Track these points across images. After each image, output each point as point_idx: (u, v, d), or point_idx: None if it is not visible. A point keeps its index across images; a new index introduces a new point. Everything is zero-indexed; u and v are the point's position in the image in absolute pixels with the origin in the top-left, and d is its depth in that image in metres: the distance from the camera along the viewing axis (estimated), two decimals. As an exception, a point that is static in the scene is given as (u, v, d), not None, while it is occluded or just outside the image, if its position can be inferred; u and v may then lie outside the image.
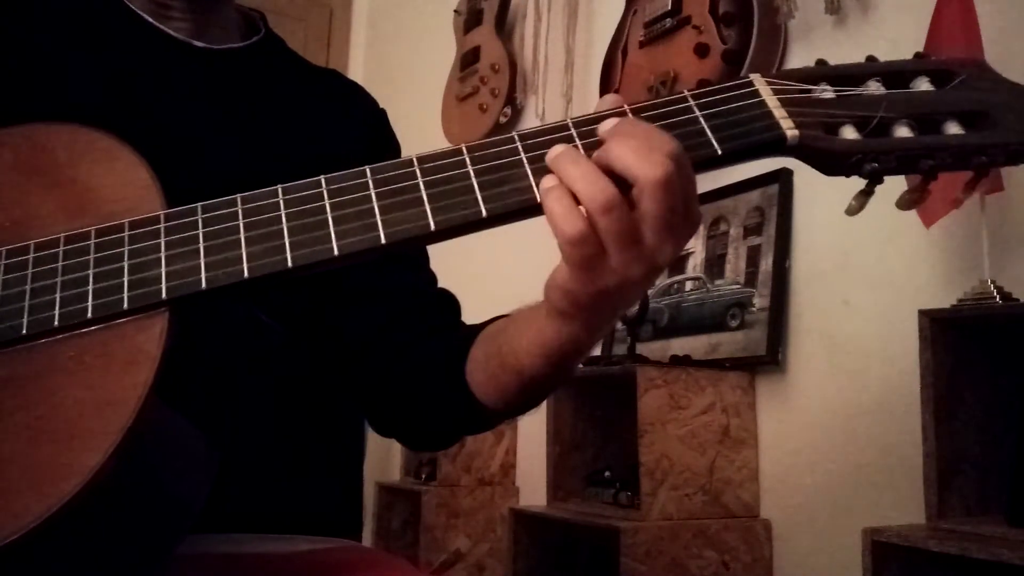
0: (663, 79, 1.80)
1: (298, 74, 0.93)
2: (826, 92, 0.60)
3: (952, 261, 1.37)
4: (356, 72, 3.45)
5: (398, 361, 0.82)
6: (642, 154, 0.54)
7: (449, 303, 0.89)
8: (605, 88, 1.99)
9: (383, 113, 0.97)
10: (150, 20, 0.83)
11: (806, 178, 1.61)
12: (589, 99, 2.16)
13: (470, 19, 2.59)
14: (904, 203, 0.61)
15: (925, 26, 1.29)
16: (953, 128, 0.59)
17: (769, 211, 1.69)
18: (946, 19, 1.26)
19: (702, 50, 1.72)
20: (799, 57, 1.68)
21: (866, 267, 1.51)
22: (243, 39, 0.89)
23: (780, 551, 1.60)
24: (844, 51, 1.59)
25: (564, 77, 2.26)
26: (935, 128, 0.59)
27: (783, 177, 1.66)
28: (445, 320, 0.87)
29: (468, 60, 2.56)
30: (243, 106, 0.86)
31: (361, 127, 0.93)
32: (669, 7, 1.81)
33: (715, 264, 1.79)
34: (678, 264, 1.88)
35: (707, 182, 1.73)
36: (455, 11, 2.69)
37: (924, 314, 1.17)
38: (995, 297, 1.17)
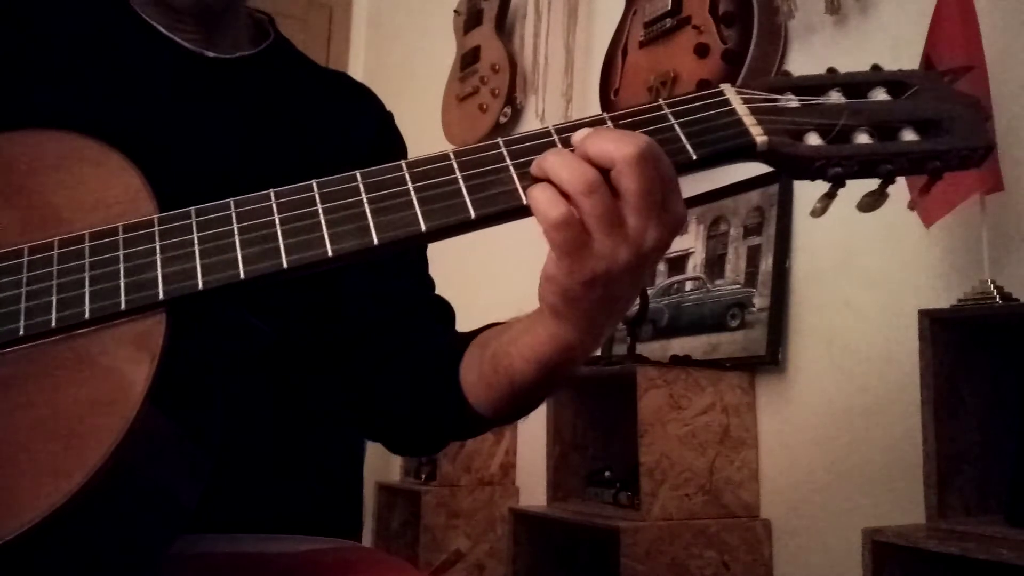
0: (663, 79, 1.80)
1: (308, 78, 0.94)
2: (791, 101, 0.64)
3: (952, 261, 1.37)
4: (356, 72, 3.45)
5: (388, 363, 0.82)
6: (617, 138, 0.57)
7: (443, 310, 0.89)
8: (605, 88, 1.99)
9: (390, 115, 0.97)
10: (162, 31, 0.83)
11: (806, 178, 1.61)
12: (589, 99, 2.16)
13: (470, 19, 2.59)
14: (864, 206, 0.64)
15: (925, 26, 1.29)
16: (909, 135, 0.62)
17: (769, 211, 1.69)
18: (946, 19, 1.26)
19: (702, 50, 1.72)
20: (799, 57, 1.68)
21: (866, 267, 1.51)
22: (253, 45, 0.90)
23: (780, 551, 1.60)
24: (844, 51, 1.59)
25: (564, 77, 2.26)
26: (892, 135, 0.63)
27: (783, 177, 1.66)
28: (438, 326, 0.87)
29: (468, 60, 2.56)
30: (255, 114, 0.86)
31: (370, 129, 0.93)
32: (669, 7, 1.81)
33: (715, 264, 1.79)
34: (678, 264, 1.88)
35: (706, 182, 1.73)
36: (455, 11, 2.69)
37: (924, 314, 1.17)
38: (995, 297, 1.17)
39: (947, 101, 0.64)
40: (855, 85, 0.65)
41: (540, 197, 0.57)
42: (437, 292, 0.92)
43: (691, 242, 1.86)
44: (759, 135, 0.61)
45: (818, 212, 0.64)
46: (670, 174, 0.58)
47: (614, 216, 0.57)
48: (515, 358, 0.68)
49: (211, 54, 0.85)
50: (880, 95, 0.65)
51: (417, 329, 0.84)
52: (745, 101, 0.63)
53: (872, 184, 0.63)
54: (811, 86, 0.65)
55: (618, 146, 0.56)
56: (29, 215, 0.60)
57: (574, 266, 0.58)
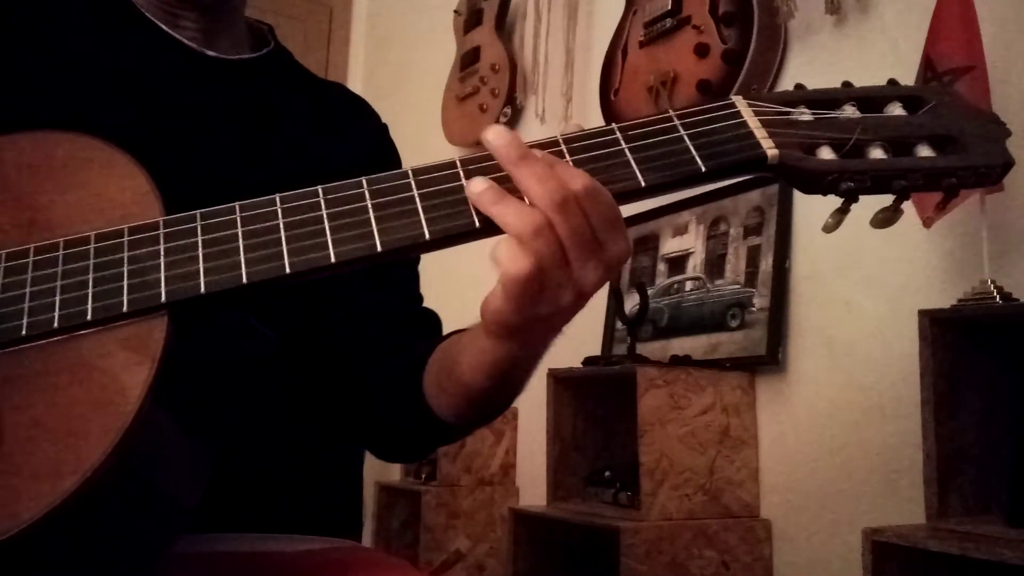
0: (663, 79, 1.80)
1: (306, 87, 0.94)
2: (804, 115, 0.63)
3: (952, 261, 1.37)
4: (356, 72, 3.46)
5: (367, 378, 0.83)
6: (566, 173, 0.57)
7: (429, 322, 0.89)
8: (605, 88, 1.99)
9: (385, 127, 0.98)
10: (165, 28, 0.83)
11: (806, 178, 1.60)
12: (589, 99, 2.16)
13: (470, 19, 2.59)
14: (878, 222, 0.63)
15: (925, 26, 1.29)
16: (924, 151, 0.62)
17: (769, 211, 1.69)
18: (946, 19, 1.26)
19: (702, 50, 1.72)
20: (799, 57, 1.68)
21: (866, 267, 1.51)
22: (252, 51, 0.90)
23: (780, 551, 1.60)
24: (844, 51, 1.59)
25: (564, 77, 2.26)
26: (907, 151, 0.62)
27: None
28: (417, 338, 0.86)
29: (468, 60, 2.56)
30: (254, 117, 0.86)
31: (365, 141, 0.93)
32: (669, 7, 1.81)
33: (715, 264, 1.79)
34: (678, 264, 1.88)
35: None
36: (455, 11, 2.69)
37: (924, 314, 1.17)
38: (995, 297, 1.17)
39: (965, 117, 0.63)
40: (870, 99, 0.64)
41: (511, 207, 0.56)
42: (426, 304, 0.91)
43: (691, 242, 1.86)
44: (770, 148, 0.60)
45: (830, 227, 0.64)
46: (613, 213, 0.58)
47: (589, 239, 0.56)
48: (465, 369, 0.68)
49: (212, 53, 0.85)
50: (896, 110, 0.64)
51: (392, 344, 0.84)
52: (757, 113, 0.62)
53: (886, 199, 0.62)
54: (825, 99, 0.64)
55: (562, 183, 0.56)
56: (37, 216, 0.61)
57: (524, 306, 0.58)
